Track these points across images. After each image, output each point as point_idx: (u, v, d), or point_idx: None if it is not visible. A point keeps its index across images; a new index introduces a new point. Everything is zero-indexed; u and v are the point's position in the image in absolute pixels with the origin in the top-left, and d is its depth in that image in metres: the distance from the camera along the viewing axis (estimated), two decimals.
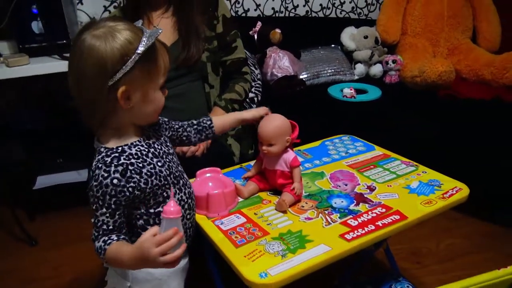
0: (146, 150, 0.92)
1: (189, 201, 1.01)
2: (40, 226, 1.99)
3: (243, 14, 2.46)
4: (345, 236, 0.98)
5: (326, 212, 1.07)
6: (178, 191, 0.97)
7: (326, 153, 1.40)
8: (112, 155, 0.86)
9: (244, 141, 1.59)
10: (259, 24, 2.27)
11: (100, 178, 0.85)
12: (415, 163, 1.30)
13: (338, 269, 1.53)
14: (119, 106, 0.84)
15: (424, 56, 2.30)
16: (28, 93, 2.09)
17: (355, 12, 2.69)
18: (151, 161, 0.91)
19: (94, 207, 0.87)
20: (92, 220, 0.88)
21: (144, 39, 0.81)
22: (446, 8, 2.40)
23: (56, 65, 1.69)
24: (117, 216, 0.87)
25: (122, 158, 0.87)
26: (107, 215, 0.86)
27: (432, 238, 1.87)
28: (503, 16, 2.46)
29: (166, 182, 0.93)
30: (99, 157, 0.86)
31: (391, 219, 1.03)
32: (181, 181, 0.99)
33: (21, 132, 2.05)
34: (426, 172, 1.25)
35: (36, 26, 1.77)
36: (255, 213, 1.08)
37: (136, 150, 0.90)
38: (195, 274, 1.10)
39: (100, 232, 0.87)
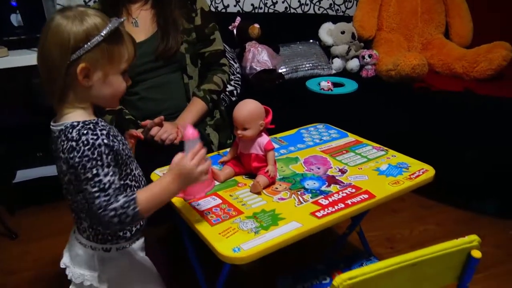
0: (109, 126, 0.95)
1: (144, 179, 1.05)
2: (21, 219, 1.99)
3: (223, 10, 2.49)
4: (316, 213, 1.02)
5: (299, 193, 1.11)
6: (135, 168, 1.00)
7: (301, 140, 1.44)
8: (90, 123, 0.88)
9: (222, 131, 1.63)
10: (238, 19, 2.31)
11: (91, 141, 0.85)
12: (385, 148, 1.35)
13: (314, 252, 1.58)
14: (78, 83, 0.87)
15: (398, 51, 2.37)
16: (8, 87, 2.09)
17: (333, 8, 2.75)
18: (118, 134, 0.95)
19: (94, 172, 0.84)
20: (94, 190, 0.84)
21: (110, 24, 0.86)
22: (420, 4, 2.48)
23: (35, 58, 1.70)
24: (117, 175, 0.88)
25: (100, 124, 0.89)
26: (111, 173, 0.86)
27: (406, 226, 1.94)
28: (474, 12, 2.55)
29: (130, 154, 0.97)
30: (79, 127, 0.87)
31: (360, 198, 1.08)
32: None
33: (0, 126, 2.05)
34: (395, 156, 1.30)
35: (15, 19, 1.78)
36: (230, 195, 1.12)
37: (102, 124, 0.93)
38: (175, 258, 1.14)
39: (112, 193, 0.84)
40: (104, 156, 0.85)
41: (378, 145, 1.38)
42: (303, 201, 1.08)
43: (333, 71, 2.46)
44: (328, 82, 2.16)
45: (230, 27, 2.32)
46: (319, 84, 2.20)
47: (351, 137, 1.45)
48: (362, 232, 1.48)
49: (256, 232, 0.96)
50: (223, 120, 1.66)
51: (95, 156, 0.85)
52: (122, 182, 0.94)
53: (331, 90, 2.16)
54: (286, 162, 1.28)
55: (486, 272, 1.62)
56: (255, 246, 0.92)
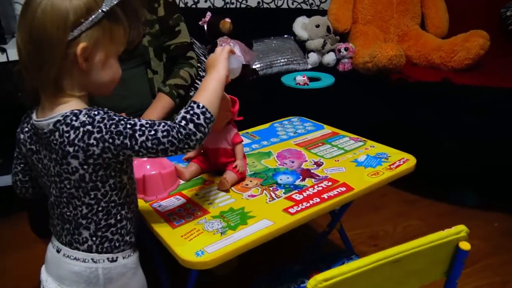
0: None
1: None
2: None
3: (193, 6, 2.40)
4: (289, 210, 0.93)
5: (271, 188, 1.02)
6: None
7: (274, 134, 1.35)
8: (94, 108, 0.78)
9: None
10: (208, 14, 2.22)
11: (106, 116, 0.76)
12: (363, 139, 1.27)
13: (293, 252, 1.49)
14: (76, 67, 0.76)
15: (375, 43, 2.31)
16: None
17: (307, 2, 2.68)
18: None
19: (129, 126, 0.76)
20: (147, 133, 0.77)
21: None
22: None
23: None
24: None
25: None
26: (139, 119, 0.78)
27: (389, 222, 1.86)
28: (448, 2, 2.51)
29: None
30: (84, 111, 0.76)
31: (337, 191, 0.99)
32: None
33: None
34: (374, 147, 1.22)
35: None
36: (196, 194, 1.02)
37: None
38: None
39: (157, 122, 0.78)
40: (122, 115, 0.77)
41: (355, 136, 1.30)
42: (275, 197, 0.98)
43: (309, 66, 2.38)
44: (304, 77, 2.08)
45: (200, 23, 2.22)
46: (295, 79, 2.12)
47: (327, 129, 1.37)
48: (343, 230, 1.40)
49: (223, 233, 0.86)
50: None
51: (117, 117, 0.76)
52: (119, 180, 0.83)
53: (307, 84, 2.09)
54: (258, 157, 1.19)
55: (474, 266, 1.55)
56: (221, 248, 0.82)
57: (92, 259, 0.84)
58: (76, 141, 0.75)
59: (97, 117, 0.76)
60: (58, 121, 0.76)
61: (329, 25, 2.44)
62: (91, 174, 0.78)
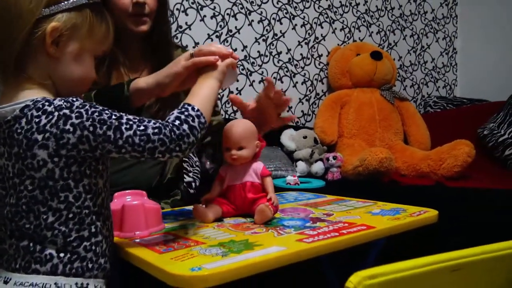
0: None
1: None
2: None
3: None
4: (304, 240, 0.76)
5: (277, 228, 0.86)
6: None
7: None
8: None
9: None
10: None
11: (83, 102, 0.67)
12: (372, 201, 1.15)
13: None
14: (43, 50, 0.68)
15: (362, 151, 2.32)
16: None
17: (293, 121, 2.78)
18: None
19: (114, 117, 0.66)
20: (134, 128, 0.67)
21: None
22: (377, 112, 2.54)
23: None
24: None
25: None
26: (126, 113, 0.69)
27: None
28: (428, 123, 2.64)
29: None
30: (59, 98, 0.67)
31: (357, 228, 0.84)
32: None
33: None
34: (386, 205, 1.09)
35: None
36: (186, 233, 0.84)
37: None
38: None
39: (146, 119, 0.69)
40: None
41: (362, 200, 1.18)
42: (284, 233, 0.82)
43: (298, 174, 2.33)
44: (294, 176, 2.01)
45: None
46: (286, 179, 2.04)
47: (330, 197, 1.24)
48: None
49: (224, 255, 0.68)
50: (183, 203, 1.40)
51: (101, 107, 0.67)
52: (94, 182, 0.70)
53: (298, 184, 2.00)
54: None
55: None
56: (222, 265, 0.63)
57: (55, 283, 0.63)
58: (48, 127, 0.64)
59: (76, 103, 0.66)
60: (27, 106, 0.66)
61: (315, 137, 2.47)
62: (62, 169, 0.65)
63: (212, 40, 2.35)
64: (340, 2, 2.78)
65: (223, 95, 2.41)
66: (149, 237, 0.81)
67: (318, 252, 0.73)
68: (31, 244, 0.66)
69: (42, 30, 0.67)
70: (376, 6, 2.93)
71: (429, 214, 0.97)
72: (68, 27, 0.69)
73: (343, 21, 2.80)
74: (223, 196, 0.97)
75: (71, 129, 0.64)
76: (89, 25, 0.71)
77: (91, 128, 0.64)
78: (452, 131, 2.60)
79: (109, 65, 1.18)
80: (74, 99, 0.66)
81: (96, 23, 0.72)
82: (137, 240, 0.78)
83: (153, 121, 0.69)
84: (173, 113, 0.72)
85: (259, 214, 0.88)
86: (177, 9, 2.24)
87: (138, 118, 0.69)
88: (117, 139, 0.65)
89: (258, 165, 0.96)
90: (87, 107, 0.66)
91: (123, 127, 0.66)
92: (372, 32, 2.92)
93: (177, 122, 0.69)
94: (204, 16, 2.32)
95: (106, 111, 0.67)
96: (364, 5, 2.88)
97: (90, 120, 0.65)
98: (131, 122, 0.67)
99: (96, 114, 0.66)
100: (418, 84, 3.16)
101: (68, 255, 0.65)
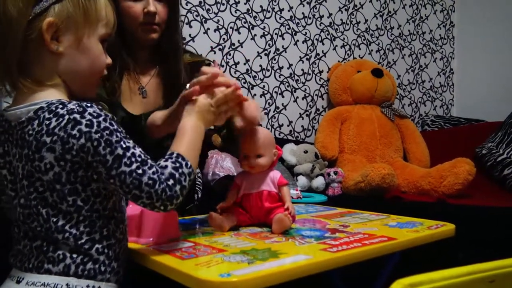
0: None
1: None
2: None
3: None
4: (328, 249, 0.75)
5: (297, 238, 0.84)
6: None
7: None
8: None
9: None
10: None
11: (99, 112, 0.64)
12: (385, 214, 1.14)
13: None
14: (46, 49, 0.66)
15: (364, 167, 2.32)
16: None
17: (293, 135, 2.77)
18: None
19: (124, 146, 0.64)
20: (134, 167, 0.64)
21: None
22: (378, 129, 2.55)
23: None
24: None
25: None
26: (135, 146, 0.66)
27: None
28: (427, 142, 2.66)
29: None
30: (73, 101, 0.65)
31: (378, 239, 0.82)
32: None
33: None
34: (400, 218, 1.08)
35: None
36: (206, 240, 0.82)
37: None
38: None
39: (153, 163, 0.66)
40: (120, 128, 0.66)
41: (375, 213, 1.16)
42: (305, 243, 0.80)
43: (299, 188, 2.32)
44: (297, 190, 2.00)
45: None
46: None
47: (341, 209, 1.23)
48: None
49: (250, 262, 0.66)
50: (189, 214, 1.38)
51: (115, 127, 0.64)
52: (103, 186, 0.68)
53: (300, 198, 1.99)
54: None
55: None
56: (251, 272, 0.61)
57: (67, 284, 0.61)
58: (56, 130, 0.62)
59: (90, 109, 0.64)
60: (41, 108, 0.64)
61: (316, 152, 2.47)
62: (68, 173, 0.63)
63: (215, 53, 2.36)
64: (341, 20, 2.81)
65: None
66: (168, 243, 0.79)
67: (345, 262, 0.72)
68: (44, 244, 0.64)
69: (38, 29, 0.65)
70: (376, 25, 2.97)
71: (447, 227, 0.96)
72: (63, 19, 0.66)
73: (344, 38, 2.83)
74: (239, 204, 0.95)
75: (77, 135, 0.62)
76: (83, 10, 0.68)
77: (95, 143, 0.62)
78: (450, 149, 2.62)
79: (120, 71, 1.19)
80: (88, 105, 0.64)
81: (90, 6, 0.69)
82: (156, 247, 0.76)
83: (154, 169, 0.65)
84: (167, 166, 0.68)
85: (278, 223, 0.87)
86: (181, 21, 2.24)
87: (143, 157, 0.66)
88: (112, 168, 0.63)
89: (275, 174, 0.95)
90: (101, 118, 0.63)
91: (123, 160, 0.63)
92: (372, 50, 2.96)
93: (170, 182, 0.66)
94: (208, 28, 2.32)
95: (118, 134, 0.64)
96: (364, 23, 2.92)
97: (99, 134, 0.62)
98: (133, 159, 0.64)
99: (107, 132, 0.63)
100: (416, 102, 3.19)
101: (81, 256, 0.64)
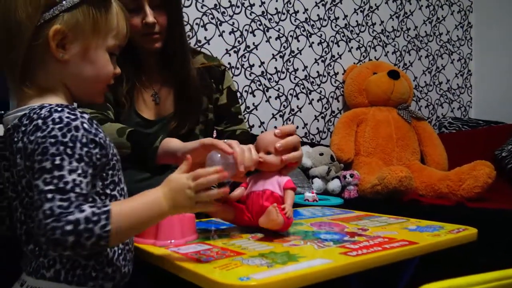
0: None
1: None
2: None
3: None
4: (348, 253, 0.73)
5: (316, 241, 0.83)
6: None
7: (299, 214, 1.18)
8: (69, 106, 0.64)
9: None
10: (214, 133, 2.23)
11: (66, 120, 0.60)
12: (405, 217, 1.12)
13: None
14: (51, 56, 0.66)
15: (380, 170, 2.29)
16: None
17: (308, 137, 2.76)
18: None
19: (56, 162, 0.57)
20: (48, 188, 0.57)
21: None
22: (395, 131, 2.52)
23: None
24: (89, 178, 0.60)
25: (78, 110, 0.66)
26: (79, 172, 0.58)
27: None
28: (445, 144, 2.62)
29: (119, 159, 0.70)
30: (53, 105, 0.63)
31: (399, 244, 0.81)
32: None
33: None
34: (420, 222, 1.06)
35: None
36: (223, 243, 0.81)
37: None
38: None
39: (73, 199, 0.57)
40: (78, 145, 0.60)
41: (394, 216, 1.15)
42: (324, 246, 0.79)
43: (315, 191, 2.30)
44: (312, 192, 1.98)
45: None
46: (304, 196, 2.01)
47: (359, 212, 1.21)
48: None
49: (270, 266, 0.65)
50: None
51: (66, 140, 0.59)
52: (100, 191, 0.66)
53: (316, 201, 1.97)
54: None
55: None
56: (271, 276, 0.61)
57: None
58: (25, 137, 0.62)
59: (55, 115, 0.61)
60: (24, 114, 0.64)
61: (332, 154, 2.45)
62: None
63: (230, 55, 2.35)
64: (357, 21, 2.79)
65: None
66: (185, 246, 0.79)
67: (365, 266, 0.70)
68: (36, 248, 0.64)
69: (45, 36, 0.64)
70: (392, 27, 2.94)
71: (468, 232, 0.94)
72: (71, 27, 0.66)
73: (359, 40, 2.81)
74: (243, 202, 0.94)
75: (32, 138, 0.60)
76: (93, 21, 0.68)
77: (36, 147, 0.59)
78: (468, 152, 2.57)
79: (128, 81, 1.22)
80: (59, 109, 0.61)
81: (100, 17, 0.69)
82: (174, 249, 0.76)
83: (66, 204, 0.56)
84: (84, 210, 0.57)
85: (265, 215, 0.82)
86: (196, 23, 2.25)
87: (70, 188, 0.57)
88: (33, 177, 0.59)
89: (284, 178, 0.92)
90: (59, 125, 0.59)
91: (45, 175, 0.57)
92: (388, 52, 2.93)
93: (68, 228, 0.55)
94: (223, 31, 2.33)
95: (65, 149, 0.59)
96: (380, 25, 2.89)
97: (43, 140, 0.59)
98: (55, 181, 0.57)
99: (52, 141, 0.58)
100: (433, 104, 3.15)
101: (70, 262, 0.63)
